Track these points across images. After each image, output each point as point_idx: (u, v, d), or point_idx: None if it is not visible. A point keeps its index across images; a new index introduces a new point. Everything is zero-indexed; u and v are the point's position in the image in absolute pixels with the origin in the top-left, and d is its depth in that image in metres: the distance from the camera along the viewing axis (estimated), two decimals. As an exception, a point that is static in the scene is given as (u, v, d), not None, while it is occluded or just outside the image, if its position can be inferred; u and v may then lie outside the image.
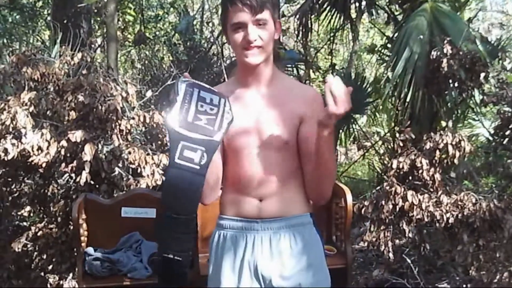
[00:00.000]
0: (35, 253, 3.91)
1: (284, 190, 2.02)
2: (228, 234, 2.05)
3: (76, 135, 3.56)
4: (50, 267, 3.91)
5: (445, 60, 4.36)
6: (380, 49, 6.88)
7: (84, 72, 4.15)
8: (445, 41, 4.45)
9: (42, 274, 4.02)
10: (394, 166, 3.95)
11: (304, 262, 2.01)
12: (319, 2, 6.36)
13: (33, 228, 3.88)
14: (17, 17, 8.93)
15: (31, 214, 4.19)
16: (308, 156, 2.00)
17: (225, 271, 2.03)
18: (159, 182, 3.78)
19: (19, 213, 4.20)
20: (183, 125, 1.76)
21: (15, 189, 4.07)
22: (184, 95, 1.81)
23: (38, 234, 3.81)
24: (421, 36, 4.81)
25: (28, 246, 3.89)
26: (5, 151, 3.54)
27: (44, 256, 3.87)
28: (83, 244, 3.33)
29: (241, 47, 1.97)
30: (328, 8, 6.34)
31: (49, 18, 7.94)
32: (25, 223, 4.32)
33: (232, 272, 2.02)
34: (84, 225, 3.36)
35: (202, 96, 1.85)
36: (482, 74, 4.46)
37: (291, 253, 2.01)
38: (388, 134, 6.37)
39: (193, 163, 1.74)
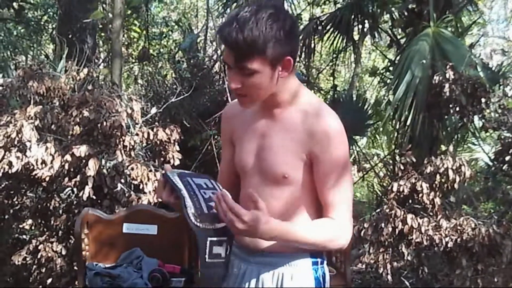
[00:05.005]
0: (34, 266, 3.91)
1: None
2: None
3: (81, 150, 3.58)
4: (49, 280, 3.92)
5: (447, 85, 4.41)
6: (382, 71, 6.94)
7: (89, 87, 4.18)
8: (448, 66, 4.50)
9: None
10: (395, 189, 3.98)
11: None
12: (323, 23, 6.44)
13: (33, 241, 3.88)
14: (22, 30, 8.99)
15: (32, 228, 4.20)
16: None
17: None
18: (160, 200, 3.80)
19: (20, 226, 4.21)
20: (203, 219, 1.68)
21: (16, 202, 4.09)
22: (185, 187, 1.73)
23: (39, 247, 3.81)
24: (424, 61, 4.86)
25: (28, 259, 3.90)
26: (10, 164, 3.56)
27: (43, 270, 3.87)
28: (84, 259, 3.33)
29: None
30: (331, 30, 6.41)
31: (53, 32, 7.99)
32: (24, 236, 4.33)
33: None
34: (86, 240, 3.37)
35: (198, 183, 1.77)
36: (483, 100, 4.51)
37: None
38: (388, 156, 6.41)
39: (220, 258, 1.72)
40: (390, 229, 3.83)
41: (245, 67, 1.68)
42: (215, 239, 1.69)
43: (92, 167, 3.58)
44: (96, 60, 6.94)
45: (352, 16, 6.22)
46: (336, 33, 6.39)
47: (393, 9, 6.09)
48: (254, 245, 1.86)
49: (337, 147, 1.79)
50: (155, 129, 4.03)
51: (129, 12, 8.08)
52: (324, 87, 8.62)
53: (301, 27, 6.89)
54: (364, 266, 4.11)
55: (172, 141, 4.05)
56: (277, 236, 1.72)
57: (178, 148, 4.08)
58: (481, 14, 7.20)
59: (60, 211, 3.94)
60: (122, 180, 3.84)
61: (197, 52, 7.07)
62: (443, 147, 5.16)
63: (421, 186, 3.92)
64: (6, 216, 4.12)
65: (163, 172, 1.82)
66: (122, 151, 3.84)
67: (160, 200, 1.82)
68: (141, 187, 3.80)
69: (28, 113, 3.76)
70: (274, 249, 1.84)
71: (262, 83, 1.72)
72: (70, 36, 6.59)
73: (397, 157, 4.60)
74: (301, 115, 1.81)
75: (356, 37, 6.63)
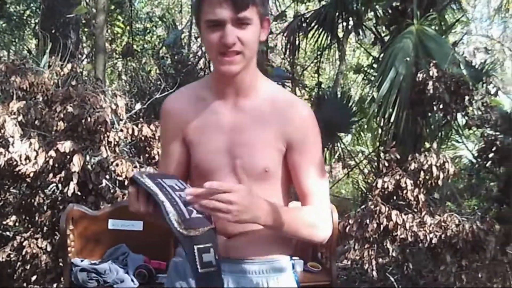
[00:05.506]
0: (19, 263, 3.88)
1: (259, 227, 1.63)
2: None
3: (65, 146, 3.56)
4: (33, 277, 3.89)
5: (430, 83, 4.43)
6: (366, 69, 6.96)
7: (73, 83, 4.16)
8: (431, 64, 4.52)
9: (25, 285, 3.99)
10: (379, 185, 4.00)
11: None
12: (307, 21, 6.45)
13: (17, 238, 3.85)
14: (4, 25, 8.91)
15: (16, 224, 4.16)
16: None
17: None
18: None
19: (3, 222, 4.17)
20: (187, 225, 1.52)
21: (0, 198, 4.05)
22: (161, 191, 1.55)
23: (23, 244, 3.78)
24: (407, 59, 4.88)
25: (12, 256, 3.87)
26: (-8, 159, 3.54)
27: (28, 267, 3.84)
28: (70, 255, 3.32)
29: (217, 51, 1.62)
30: (316, 27, 6.42)
31: (36, 27, 7.94)
32: (8, 233, 4.29)
33: None
34: (71, 236, 3.35)
35: (170, 185, 1.59)
36: (467, 98, 4.53)
37: None
38: (373, 153, 6.44)
39: (212, 266, 1.55)
40: (375, 225, 3.84)
41: (243, 18, 1.59)
42: (201, 246, 1.54)
43: (76, 163, 3.56)
44: (80, 56, 6.91)
45: (337, 14, 6.24)
46: (320, 30, 6.40)
47: (377, 6, 6.12)
48: (231, 252, 1.70)
49: (314, 134, 1.74)
50: (139, 125, 4.02)
51: (112, 7, 8.05)
52: (309, 84, 8.64)
53: (286, 24, 6.90)
54: (349, 262, 4.14)
55: (156, 137, 4.04)
56: (268, 214, 1.58)
57: (163, 144, 4.07)
58: (464, 12, 7.24)
59: (45, 207, 3.91)
60: (107, 176, 3.83)
61: (181, 48, 7.05)
62: (427, 144, 5.18)
63: (405, 182, 3.94)
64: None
65: (131, 177, 1.60)
66: (107, 147, 3.83)
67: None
68: (126, 183, 3.79)
69: (11, 108, 3.74)
70: (254, 254, 1.73)
71: (255, 38, 1.64)
72: (53, 31, 6.55)
73: (382, 154, 4.60)
74: (270, 104, 1.72)
75: (340, 34, 6.64)
